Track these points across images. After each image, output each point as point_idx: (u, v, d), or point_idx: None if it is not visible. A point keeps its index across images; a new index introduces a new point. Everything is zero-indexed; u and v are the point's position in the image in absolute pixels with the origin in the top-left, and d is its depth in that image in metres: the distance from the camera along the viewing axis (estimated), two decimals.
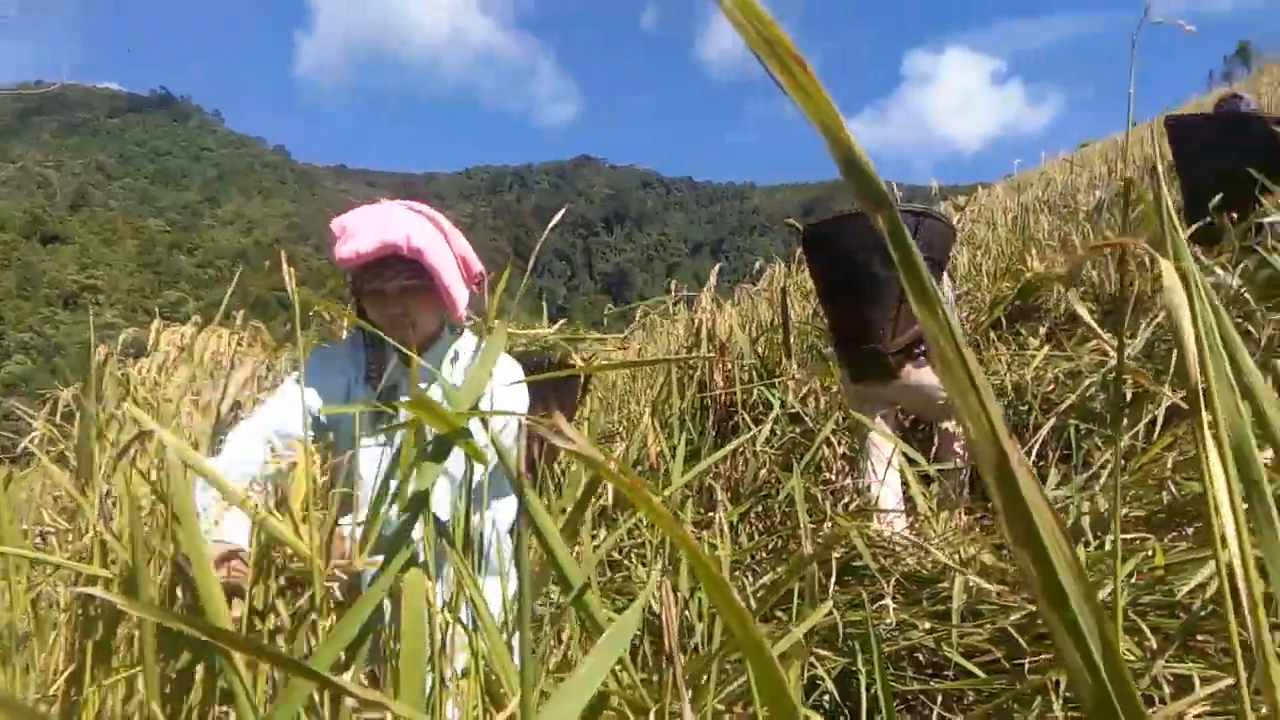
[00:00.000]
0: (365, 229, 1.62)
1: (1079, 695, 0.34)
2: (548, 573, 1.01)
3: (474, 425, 1.28)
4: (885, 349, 3.13)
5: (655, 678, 1.36)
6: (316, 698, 0.82)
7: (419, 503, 0.83)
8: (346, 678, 0.78)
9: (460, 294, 1.72)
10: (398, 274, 1.66)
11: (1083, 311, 0.65)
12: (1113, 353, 3.38)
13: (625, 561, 2.78)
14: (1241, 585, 0.45)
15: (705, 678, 1.06)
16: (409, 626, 0.80)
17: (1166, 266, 0.48)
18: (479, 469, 1.11)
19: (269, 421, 1.69)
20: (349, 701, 0.69)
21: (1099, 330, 0.66)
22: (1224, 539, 0.47)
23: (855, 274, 3.13)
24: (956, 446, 3.46)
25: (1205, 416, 0.50)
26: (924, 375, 3.29)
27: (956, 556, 2.38)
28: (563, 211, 1.66)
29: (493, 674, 0.86)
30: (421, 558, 0.84)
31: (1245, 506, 0.52)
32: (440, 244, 1.69)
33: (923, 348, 3.29)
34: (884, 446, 3.12)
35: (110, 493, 1.66)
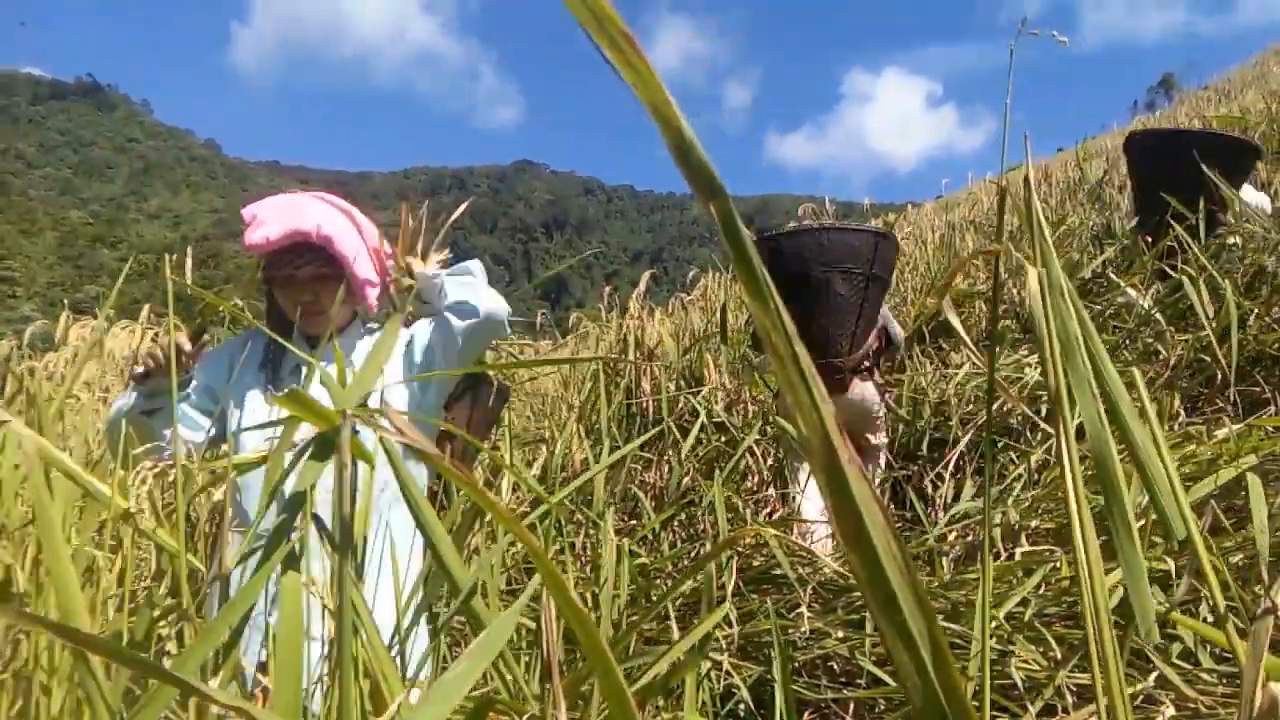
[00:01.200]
0: (275, 216, 1.63)
1: (910, 698, 0.33)
2: (441, 575, 0.99)
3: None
4: (843, 364, 3.24)
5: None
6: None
7: (297, 504, 0.81)
8: (215, 682, 0.75)
9: (371, 283, 1.73)
10: (308, 262, 1.66)
11: (955, 321, 0.66)
12: (1031, 366, 3.47)
13: None
14: (1086, 596, 0.45)
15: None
16: (284, 631, 0.77)
17: (1031, 272, 0.48)
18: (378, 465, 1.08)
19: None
20: (214, 709, 0.66)
21: (970, 343, 0.67)
22: (1080, 569, 0.48)
23: (816, 289, 3.22)
24: (881, 459, 3.53)
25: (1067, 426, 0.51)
26: (867, 389, 3.40)
27: None
28: (464, 206, 1.65)
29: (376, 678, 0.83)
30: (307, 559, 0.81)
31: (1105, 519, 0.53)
32: (351, 233, 1.69)
33: (868, 364, 3.41)
34: None
35: None
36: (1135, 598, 0.49)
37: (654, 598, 2.56)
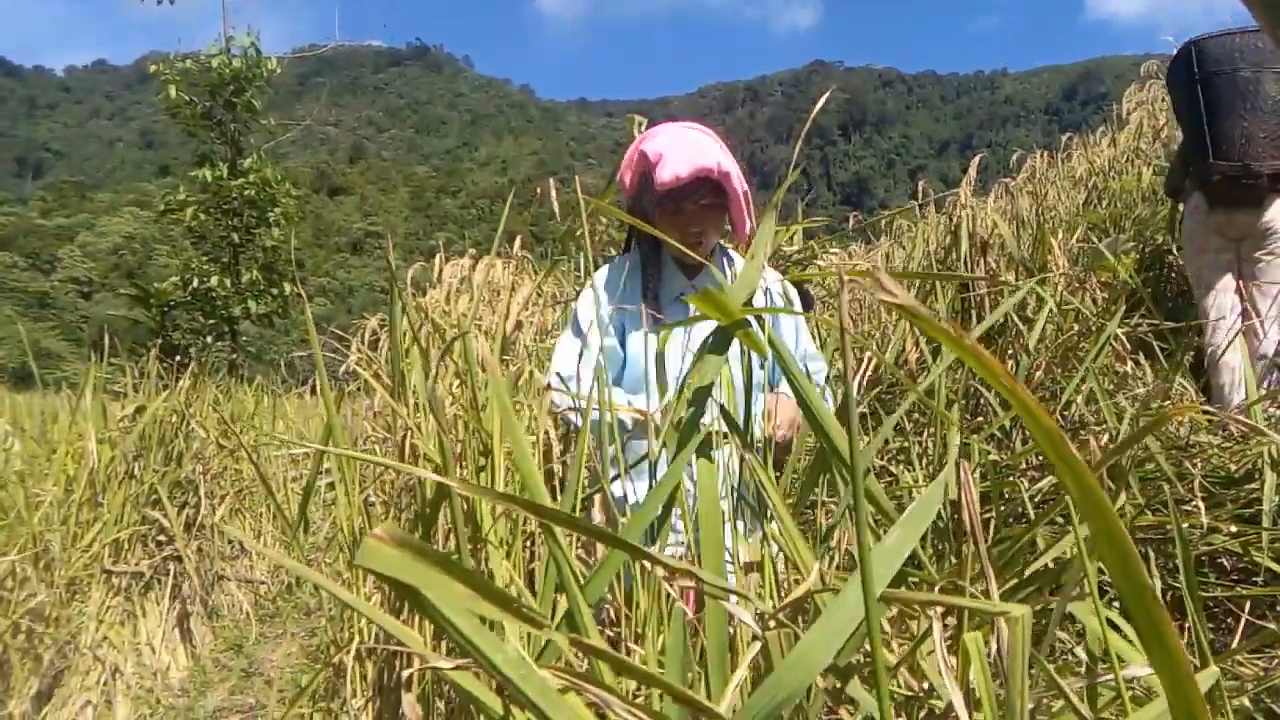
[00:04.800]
0: (680, 155, 1.77)
1: None
2: (823, 462, 1.04)
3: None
4: (1261, 169, 3.04)
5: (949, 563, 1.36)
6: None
7: (703, 395, 0.89)
8: (654, 549, 0.86)
9: (748, 214, 1.86)
10: (704, 195, 1.81)
11: None
12: None
13: (890, 468, 2.75)
14: None
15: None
16: (704, 507, 0.86)
17: None
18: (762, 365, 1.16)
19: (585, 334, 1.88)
20: (658, 570, 0.76)
21: None
22: None
23: (1242, 89, 3.06)
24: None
25: None
26: (1277, 209, 3.13)
27: (1268, 453, 2.16)
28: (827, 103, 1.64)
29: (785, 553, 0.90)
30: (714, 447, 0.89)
31: None
32: (736, 167, 1.82)
33: None
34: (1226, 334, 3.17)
35: (426, 399, 1.88)
36: None
37: (1007, 495, 2.48)
